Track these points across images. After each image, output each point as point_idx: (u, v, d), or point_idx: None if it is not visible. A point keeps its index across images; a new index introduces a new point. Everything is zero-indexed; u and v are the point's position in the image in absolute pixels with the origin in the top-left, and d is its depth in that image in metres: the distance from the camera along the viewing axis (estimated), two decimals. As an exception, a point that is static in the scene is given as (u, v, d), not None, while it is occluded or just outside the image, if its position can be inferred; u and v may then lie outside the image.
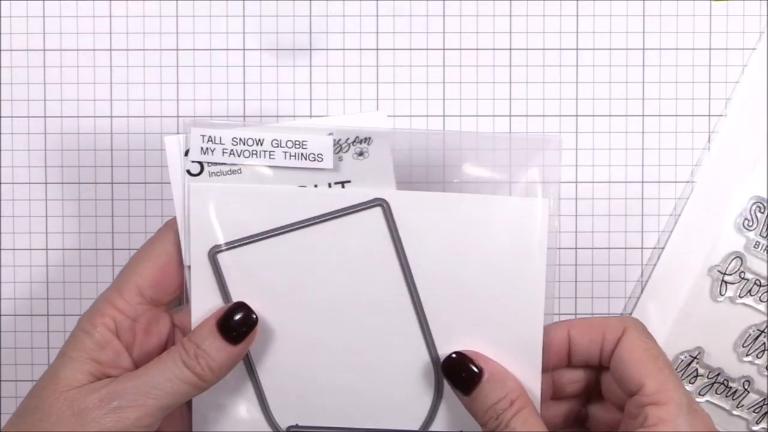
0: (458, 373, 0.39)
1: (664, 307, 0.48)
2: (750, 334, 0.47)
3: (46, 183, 0.48)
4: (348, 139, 0.40)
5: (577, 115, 0.48)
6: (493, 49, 0.48)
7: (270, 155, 0.40)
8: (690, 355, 0.48)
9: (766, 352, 0.47)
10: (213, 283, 0.40)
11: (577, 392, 0.42)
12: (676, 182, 0.48)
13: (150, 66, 0.48)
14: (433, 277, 0.40)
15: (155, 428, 0.38)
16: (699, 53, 0.48)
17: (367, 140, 0.40)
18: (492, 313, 0.40)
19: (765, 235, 0.47)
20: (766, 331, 0.47)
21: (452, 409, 0.40)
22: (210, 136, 0.40)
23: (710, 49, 0.48)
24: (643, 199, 0.48)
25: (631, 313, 0.48)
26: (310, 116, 0.48)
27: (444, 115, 0.48)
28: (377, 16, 0.48)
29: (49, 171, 0.48)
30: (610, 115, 0.48)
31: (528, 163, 0.41)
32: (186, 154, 0.40)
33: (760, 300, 0.47)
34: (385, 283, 0.40)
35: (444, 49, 0.48)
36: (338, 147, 0.40)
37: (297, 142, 0.40)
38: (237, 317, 0.39)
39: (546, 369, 0.40)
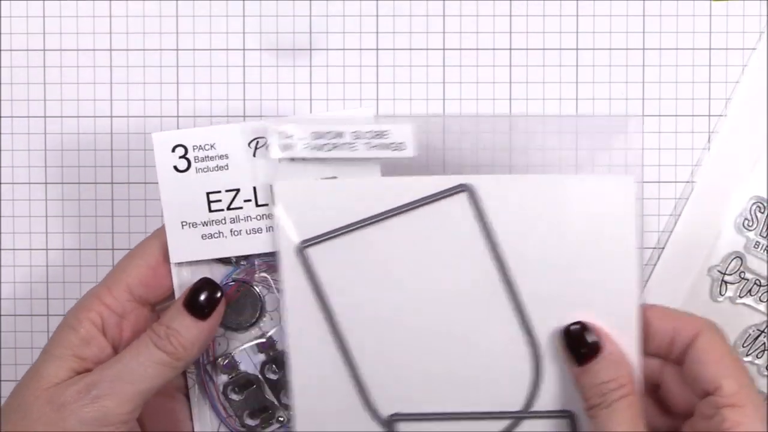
0: (580, 343, 0.39)
1: (664, 307, 0.48)
2: (750, 334, 0.47)
3: (46, 183, 0.48)
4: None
5: (577, 116, 0.48)
6: (493, 49, 0.48)
7: (351, 147, 0.40)
8: (690, 355, 0.48)
9: (766, 352, 0.47)
10: (304, 279, 0.40)
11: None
12: (676, 182, 0.48)
13: (150, 66, 0.48)
14: (527, 259, 0.40)
15: (137, 414, 0.38)
16: (699, 53, 0.48)
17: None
18: (587, 294, 0.40)
19: (765, 235, 0.47)
20: (766, 331, 0.47)
21: (550, 389, 0.40)
22: (290, 134, 0.40)
23: (710, 49, 0.48)
24: (643, 199, 0.48)
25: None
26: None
27: (444, 116, 0.48)
28: (377, 16, 0.48)
29: (49, 171, 0.48)
30: (610, 116, 0.48)
31: (610, 145, 0.40)
32: (173, 150, 0.40)
33: (760, 300, 0.47)
34: (475, 268, 0.40)
35: (444, 49, 0.48)
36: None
37: (379, 133, 0.40)
38: (203, 293, 0.39)
39: (644, 353, 0.39)
